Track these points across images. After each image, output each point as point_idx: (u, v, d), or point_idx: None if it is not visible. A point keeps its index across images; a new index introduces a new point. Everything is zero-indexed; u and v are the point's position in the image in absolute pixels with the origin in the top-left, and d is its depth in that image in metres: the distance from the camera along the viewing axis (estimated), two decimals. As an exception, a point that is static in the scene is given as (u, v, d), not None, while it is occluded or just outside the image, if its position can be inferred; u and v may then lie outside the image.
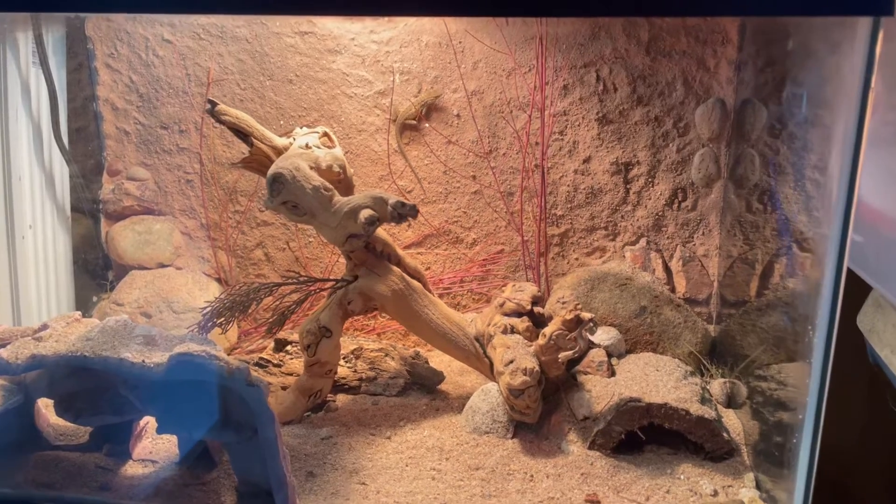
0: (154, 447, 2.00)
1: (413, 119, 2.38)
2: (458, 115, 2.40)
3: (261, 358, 2.30)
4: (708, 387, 2.17)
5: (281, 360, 2.30)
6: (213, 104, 1.75)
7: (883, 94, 1.81)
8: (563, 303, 2.30)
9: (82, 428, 2.01)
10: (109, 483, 1.82)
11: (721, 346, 2.37)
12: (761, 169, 2.31)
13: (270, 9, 1.37)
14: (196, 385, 1.68)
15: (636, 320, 2.29)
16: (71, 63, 2.45)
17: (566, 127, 2.36)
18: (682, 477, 1.86)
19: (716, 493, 1.79)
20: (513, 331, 2.07)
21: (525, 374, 1.91)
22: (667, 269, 2.41)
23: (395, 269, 2.05)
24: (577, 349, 1.92)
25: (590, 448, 1.94)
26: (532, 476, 1.87)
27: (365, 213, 1.61)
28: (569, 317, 1.90)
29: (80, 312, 1.88)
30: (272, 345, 2.34)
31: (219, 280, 2.60)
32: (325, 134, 1.94)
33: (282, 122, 2.48)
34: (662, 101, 2.30)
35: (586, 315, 1.89)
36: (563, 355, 1.93)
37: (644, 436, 1.92)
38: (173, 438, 2.02)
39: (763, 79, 2.27)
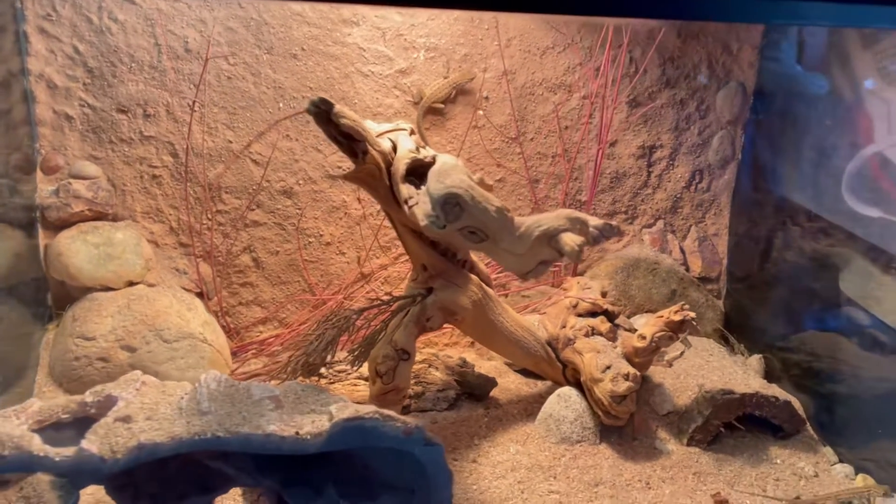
0: (220, 518, 1.64)
1: (441, 102, 2.13)
2: (486, 98, 2.19)
3: (292, 386, 1.96)
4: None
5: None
6: (329, 105, 1.39)
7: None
8: (604, 294, 2.25)
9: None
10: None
11: (734, 321, 2.47)
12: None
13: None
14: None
15: (668, 304, 2.31)
16: (-12, 26, 1.84)
17: (595, 109, 2.26)
18: (777, 461, 1.93)
19: (816, 475, 1.89)
20: (593, 332, 1.98)
21: (629, 380, 1.83)
22: (681, 250, 2.45)
23: (473, 277, 1.85)
24: (682, 352, 1.89)
25: (688, 444, 1.94)
26: (648, 483, 1.82)
27: (574, 240, 1.39)
28: (676, 318, 1.84)
29: (139, 371, 1.45)
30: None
31: (200, 295, 2.16)
32: (412, 131, 1.66)
33: (281, 105, 2.08)
34: (688, 84, 2.29)
35: (691, 314, 1.85)
36: (671, 357, 1.89)
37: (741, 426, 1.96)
38: (239, 501, 1.67)
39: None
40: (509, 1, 1.04)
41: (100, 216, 2.07)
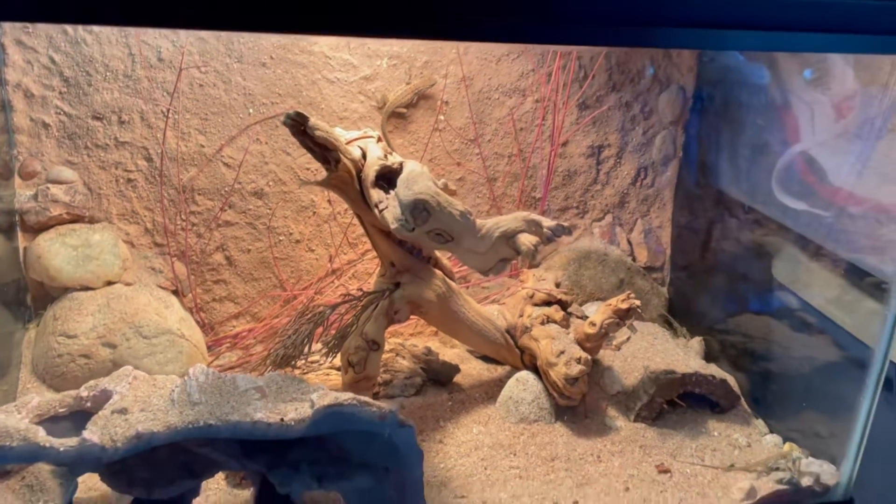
0: (207, 500, 1.77)
1: (404, 107, 2.26)
2: (446, 102, 2.33)
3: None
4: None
5: (291, 377, 2.11)
6: (304, 118, 1.51)
7: (860, 94, 2.15)
8: (558, 285, 2.41)
9: (111, 496, 1.69)
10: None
11: (677, 306, 2.67)
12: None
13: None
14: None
15: (617, 292, 2.48)
16: (-35, 38, 1.91)
17: (548, 112, 2.42)
18: (715, 434, 2.12)
19: (749, 445, 2.09)
20: (548, 320, 2.14)
21: (580, 363, 2.00)
22: (628, 242, 2.63)
23: (437, 271, 1.99)
24: (629, 337, 2.06)
25: (635, 421, 2.12)
26: (599, 456, 1.99)
27: (530, 240, 1.54)
28: (624, 306, 2.02)
29: (130, 367, 1.56)
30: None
31: (175, 292, 2.26)
32: (379, 138, 1.79)
33: (251, 111, 2.19)
34: (633, 88, 2.46)
35: (636, 302, 2.03)
36: (619, 341, 2.06)
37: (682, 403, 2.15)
38: (222, 487, 1.80)
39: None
40: (466, 32, 1.18)
41: (77, 219, 2.15)
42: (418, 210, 1.52)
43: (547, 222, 1.61)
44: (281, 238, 2.32)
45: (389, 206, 1.58)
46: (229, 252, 2.29)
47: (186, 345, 2.13)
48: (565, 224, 1.61)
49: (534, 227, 1.60)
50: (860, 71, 2.12)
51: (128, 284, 2.19)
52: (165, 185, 2.18)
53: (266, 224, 2.29)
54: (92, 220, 2.17)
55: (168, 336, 2.11)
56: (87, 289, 2.13)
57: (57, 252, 2.10)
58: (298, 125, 1.54)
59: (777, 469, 1.90)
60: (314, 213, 2.32)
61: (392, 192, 1.63)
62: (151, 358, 2.08)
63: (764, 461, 1.94)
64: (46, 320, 2.11)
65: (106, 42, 2.04)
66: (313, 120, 1.53)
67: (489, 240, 1.61)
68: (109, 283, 2.16)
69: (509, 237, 1.59)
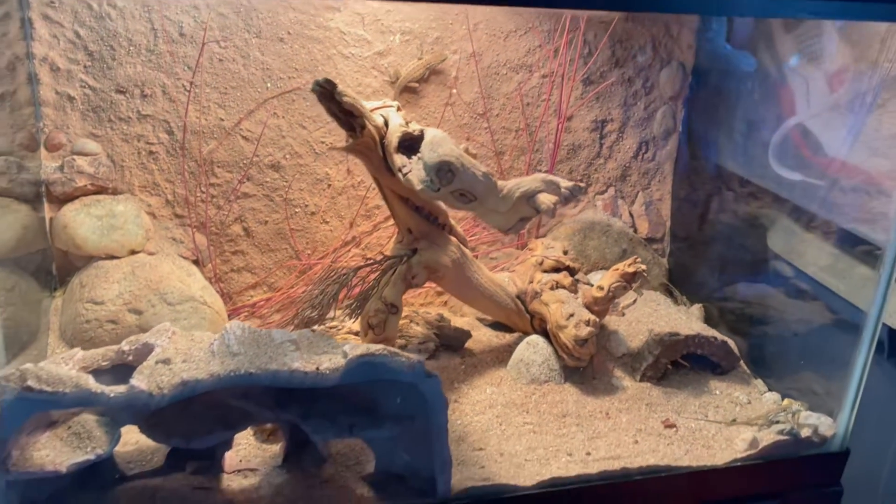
0: (237, 454, 1.85)
1: (416, 82, 2.34)
2: (456, 78, 2.41)
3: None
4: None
5: (311, 341, 2.19)
6: (332, 85, 1.59)
7: (852, 70, 2.25)
8: (565, 253, 2.51)
9: (147, 450, 1.77)
10: (225, 504, 1.67)
11: (677, 276, 2.77)
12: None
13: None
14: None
15: (620, 262, 2.58)
16: (-6, 12, 1.96)
17: (553, 88, 2.50)
18: (717, 392, 2.22)
19: (749, 402, 2.19)
20: (557, 286, 2.23)
21: (590, 325, 2.10)
22: (630, 214, 2.73)
23: (452, 238, 2.08)
24: (635, 300, 2.15)
25: (640, 380, 2.22)
26: (608, 413, 2.09)
27: (549, 198, 1.62)
28: (630, 270, 2.11)
29: (168, 323, 1.63)
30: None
31: (195, 262, 2.33)
32: (399, 108, 1.87)
33: (269, 85, 2.26)
34: (635, 64, 2.55)
35: (642, 266, 2.12)
36: (624, 305, 2.16)
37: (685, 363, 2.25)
38: (252, 442, 1.88)
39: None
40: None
41: (101, 190, 2.22)
42: (443, 171, 1.60)
43: (564, 183, 1.70)
44: (297, 210, 2.40)
45: (413, 170, 1.66)
46: (247, 223, 2.37)
47: (209, 311, 2.20)
48: (582, 184, 1.70)
49: (552, 187, 1.69)
50: (852, 47, 2.21)
51: (151, 254, 2.26)
52: (186, 157, 2.25)
53: (283, 196, 2.36)
54: (115, 192, 2.24)
55: (192, 303, 2.18)
56: (112, 257, 2.20)
57: (82, 222, 2.16)
58: (327, 91, 1.62)
59: (777, 422, 2.00)
60: (329, 185, 2.40)
61: (415, 157, 1.71)
62: (176, 324, 2.14)
63: (765, 415, 2.04)
64: (73, 288, 2.17)
65: (129, 17, 2.10)
66: (341, 86, 1.61)
67: (510, 199, 1.69)
68: (133, 253, 2.23)
69: (529, 197, 1.68)
